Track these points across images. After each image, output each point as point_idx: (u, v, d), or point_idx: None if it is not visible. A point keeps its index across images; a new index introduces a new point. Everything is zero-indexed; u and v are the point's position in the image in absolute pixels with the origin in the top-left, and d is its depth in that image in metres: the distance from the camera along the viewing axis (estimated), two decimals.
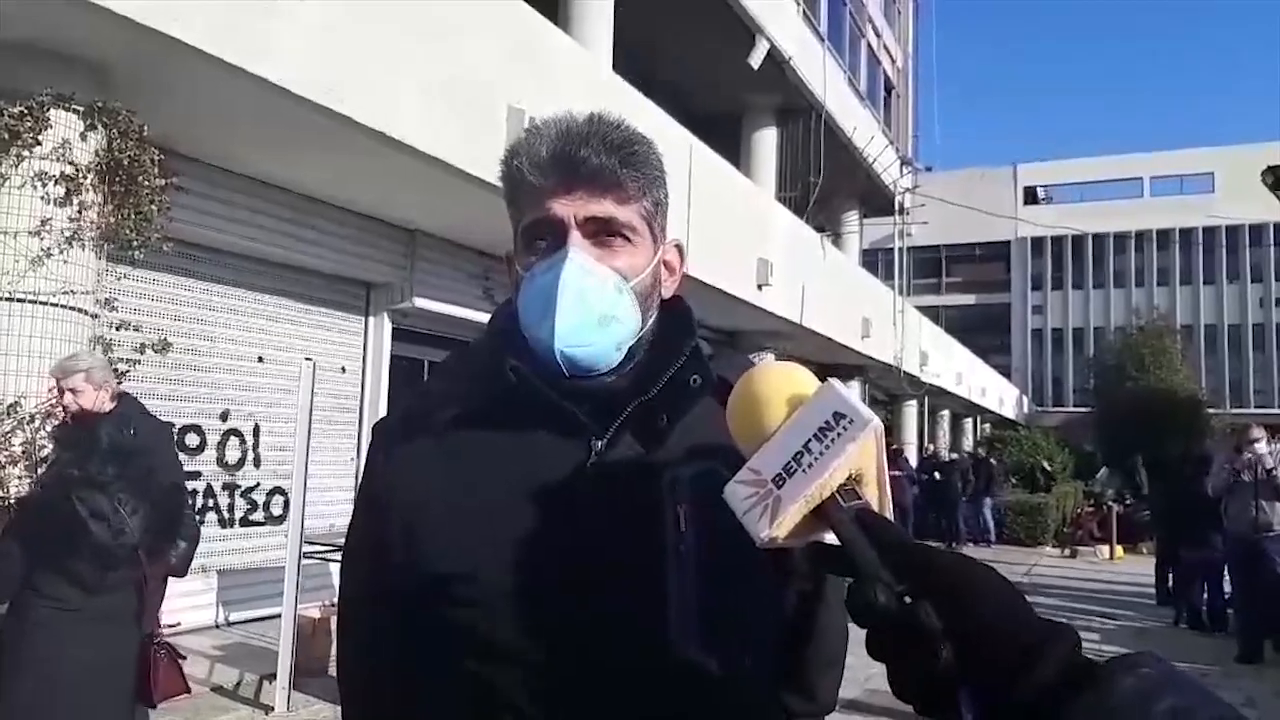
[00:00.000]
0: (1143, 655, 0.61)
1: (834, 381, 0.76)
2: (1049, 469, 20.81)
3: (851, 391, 0.76)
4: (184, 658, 3.62)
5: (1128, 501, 16.93)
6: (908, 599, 0.64)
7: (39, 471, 4.36)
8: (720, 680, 1.05)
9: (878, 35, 21.81)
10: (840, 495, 0.72)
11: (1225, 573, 9.27)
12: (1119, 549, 16.04)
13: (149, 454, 3.44)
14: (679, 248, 1.22)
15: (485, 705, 1.04)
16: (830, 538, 0.73)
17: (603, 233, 1.09)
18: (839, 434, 0.71)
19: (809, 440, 0.72)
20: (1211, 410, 28.74)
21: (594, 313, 1.06)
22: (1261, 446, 8.03)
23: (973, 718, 0.62)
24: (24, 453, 4.75)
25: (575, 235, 1.07)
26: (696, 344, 1.13)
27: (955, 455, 20.02)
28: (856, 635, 1.28)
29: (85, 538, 3.04)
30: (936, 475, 17.41)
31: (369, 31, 5.91)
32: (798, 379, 0.80)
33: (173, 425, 6.75)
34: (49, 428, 4.83)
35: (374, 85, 5.88)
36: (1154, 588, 11.35)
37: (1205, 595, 9.61)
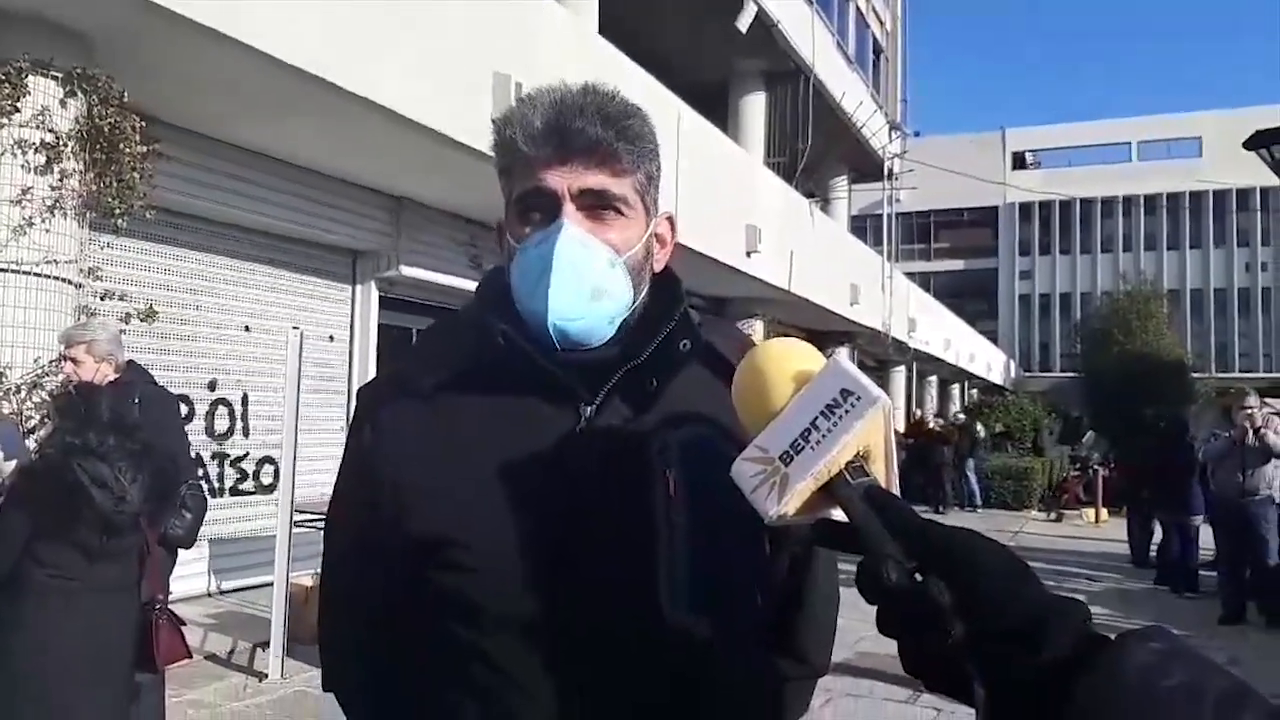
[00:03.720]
0: (1152, 629, 0.61)
1: (840, 357, 0.75)
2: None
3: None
4: (184, 624, 3.63)
5: (1113, 465, 17.09)
6: (918, 575, 0.64)
7: (37, 440, 4.34)
8: (711, 644, 1.05)
9: None
10: (848, 472, 0.71)
11: (1198, 536, 9.43)
12: (1104, 512, 16.21)
13: (151, 425, 3.43)
14: (670, 220, 1.21)
15: (473, 670, 1.04)
16: (838, 514, 0.72)
17: (596, 205, 1.08)
18: (847, 411, 0.71)
19: (816, 417, 0.72)
20: (1197, 375, 28.97)
21: (587, 286, 1.05)
22: (1255, 413, 8.06)
23: (984, 692, 0.62)
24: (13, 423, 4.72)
25: (569, 207, 1.06)
26: (685, 310, 1.14)
27: (940, 421, 20.14)
28: (847, 598, 1.29)
29: (88, 505, 3.04)
30: (931, 427, 17.49)
31: None
32: (804, 355, 0.79)
33: (184, 397, 6.73)
34: (37, 398, 4.80)
35: (358, 51, 5.80)
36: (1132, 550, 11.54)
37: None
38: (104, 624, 3.20)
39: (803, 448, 0.71)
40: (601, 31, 9.85)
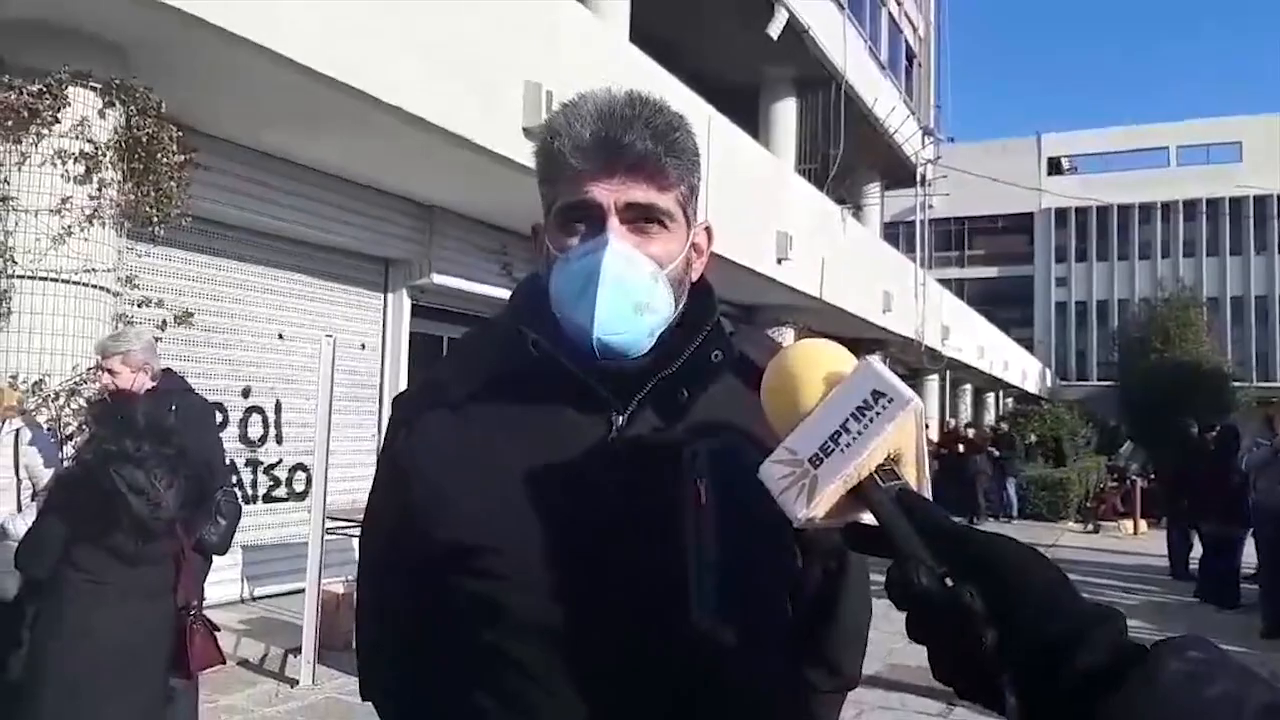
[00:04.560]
0: (1190, 638, 0.59)
1: (872, 359, 0.74)
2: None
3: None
4: (218, 629, 3.67)
5: (1152, 476, 16.82)
6: (949, 581, 0.63)
7: (74, 447, 4.41)
8: (740, 654, 1.05)
9: (899, 3, 21.53)
10: (879, 475, 0.70)
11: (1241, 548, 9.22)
12: (1142, 524, 15.96)
13: (187, 432, 3.47)
14: (708, 230, 1.21)
15: (501, 675, 1.05)
16: (868, 518, 0.71)
17: (641, 219, 1.08)
18: (878, 413, 0.70)
19: (847, 419, 0.70)
20: (1237, 383, 28.53)
21: (631, 301, 1.05)
22: None
23: (1016, 701, 0.60)
24: (50, 430, 4.80)
25: (614, 221, 1.06)
26: (718, 320, 1.14)
27: (973, 430, 19.91)
28: (879, 610, 1.27)
29: (125, 512, 3.08)
30: (960, 448, 17.26)
31: (385, 5, 5.87)
32: (834, 356, 0.78)
33: (218, 404, 6.80)
34: (74, 405, 4.87)
35: (390, 60, 5.85)
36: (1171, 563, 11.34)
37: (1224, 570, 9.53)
38: (139, 628, 3.24)
39: (833, 450, 0.70)
40: (632, 38, 9.88)
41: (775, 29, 13.74)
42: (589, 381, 1.06)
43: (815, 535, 1.12)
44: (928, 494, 0.72)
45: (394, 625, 1.20)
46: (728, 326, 1.15)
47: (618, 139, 1.04)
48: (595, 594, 1.01)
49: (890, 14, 20.70)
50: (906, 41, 22.26)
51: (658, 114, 1.08)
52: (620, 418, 1.07)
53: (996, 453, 17.58)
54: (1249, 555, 9.06)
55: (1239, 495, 9.10)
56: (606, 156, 1.05)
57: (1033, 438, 21.00)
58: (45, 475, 3.88)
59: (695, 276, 1.18)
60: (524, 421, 1.08)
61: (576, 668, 1.02)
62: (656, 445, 1.06)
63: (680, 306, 1.13)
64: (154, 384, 3.81)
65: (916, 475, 0.73)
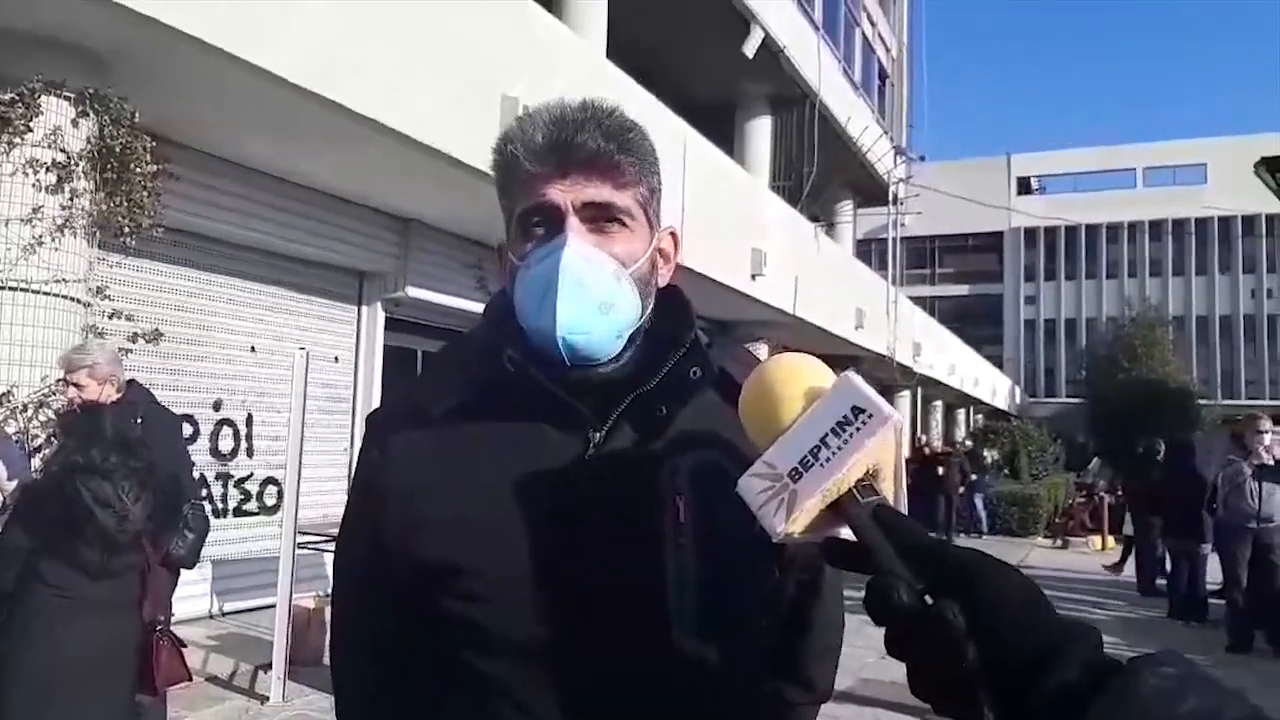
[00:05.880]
0: (1164, 654, 0.60)
1: (852, 374, 0.74)
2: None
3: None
4: (185, 645, 3.61)
5: (1119, 493, 16.99)
6: (928, 597, 0.63)
7: (42, 459, 4.35)
8: (718, 670, 1.04)
9: (872, 24, 21.75)
10: (858, 491, 0.71)
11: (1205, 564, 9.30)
12: (1110, 539, 16.10)
13: (154, 444, 3.44)
14: (674, 235, 1.20)
15: (482, 697, 1.04)
16: (846, 533, 0.71)
17: (600, 218, 1.07)
18: (858, 428, 0.70)
19: (826, 434, 0.71)
20: (1203, 401, 28.92)
21: (594, 300, 1.04)
22: (1268, 439, 7.98)
23: (995, 717, 0.61)
24: (18, 442, 4.73)
25: (573, 221, 1.06)
26: (696, 335, 1.12)
27: (949, 447, 20.03)
28: (852, 625, 1.28)
29: (91, 524, 3.04)
30: (940, 470, 17.34)
31: (364, 20, 5.86)
32: (814, 371, 0.78)
33: (189, 417, 6.73)
34: (43, 417, 4.81)
35: (368, 73, 5.84)
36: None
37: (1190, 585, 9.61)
38: (106, 642, 3.19)
39: (812, 465, 0.71)
40: (609, 54, 9.91)
41: (750, 47, 13.84)
42: (565, 398, 1.05)
43: (793, 550, 1.13)
44: (905, 509, 0.73)
45: (370, 644, 1.18)
46: (704, 339, 1.14)
47: (569, 139, 1.04)
48: (574, 614, 1.01)
49: (864, 34, 20.91)
50: (880, 61, 22.48)
51: (610, 115, 1.08)
52: (598, 434, 1.05)
53: (974, 476, 17.72)
54: (1215, 572, 9.14)
55: (1195, 511, 9.16)
56: (559, 157, 1.05)
57: (995, 454, 21.19)
58: (9, 486, 3.83)
59: (662, 282, 1.17)
60: (501, 438, 1.06)
61: (555, 688, 1.01)
62: (635, 462, 1.05)
63: (648, 311, 1.12)
64: (119, 395, 3.77)
65: (894, 490, 0.73)
